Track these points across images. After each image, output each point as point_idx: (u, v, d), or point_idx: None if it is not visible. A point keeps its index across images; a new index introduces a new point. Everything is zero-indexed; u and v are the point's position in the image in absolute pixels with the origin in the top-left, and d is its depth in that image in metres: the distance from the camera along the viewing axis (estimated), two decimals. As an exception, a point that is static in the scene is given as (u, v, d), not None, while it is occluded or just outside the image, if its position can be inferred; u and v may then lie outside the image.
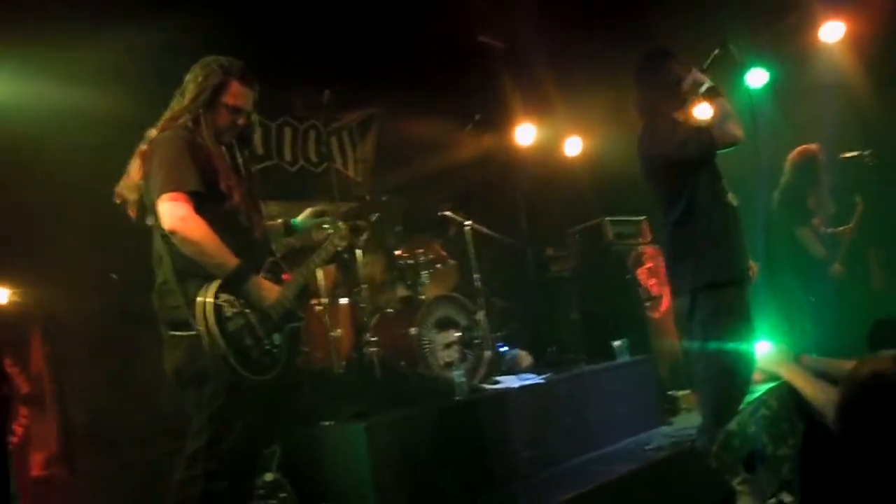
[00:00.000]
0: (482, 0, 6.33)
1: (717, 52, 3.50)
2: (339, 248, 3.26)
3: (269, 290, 2.87)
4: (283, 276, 3.06)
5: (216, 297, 2.73)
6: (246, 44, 4.76)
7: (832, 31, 6.48)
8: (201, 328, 2.69)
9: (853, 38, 6.47)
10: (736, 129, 3.23)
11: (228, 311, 2.75)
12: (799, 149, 5.54)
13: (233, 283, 2.78)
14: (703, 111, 3.61)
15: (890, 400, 2.04)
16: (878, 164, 5.72)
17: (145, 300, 2.97)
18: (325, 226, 3.39)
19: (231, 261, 2.77)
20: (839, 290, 5.38)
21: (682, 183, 3.35)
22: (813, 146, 5.52)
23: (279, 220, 3.44)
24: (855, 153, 5.69)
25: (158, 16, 4.52)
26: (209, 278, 2.76)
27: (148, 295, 2.95)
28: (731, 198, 3.42)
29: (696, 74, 3.39)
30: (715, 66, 3.48)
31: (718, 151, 3.31)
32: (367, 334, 4.83)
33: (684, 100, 3.48)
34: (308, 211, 3.47)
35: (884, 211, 5.94)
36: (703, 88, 3.36)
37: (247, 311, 2.81)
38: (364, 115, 6.63)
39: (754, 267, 3.54)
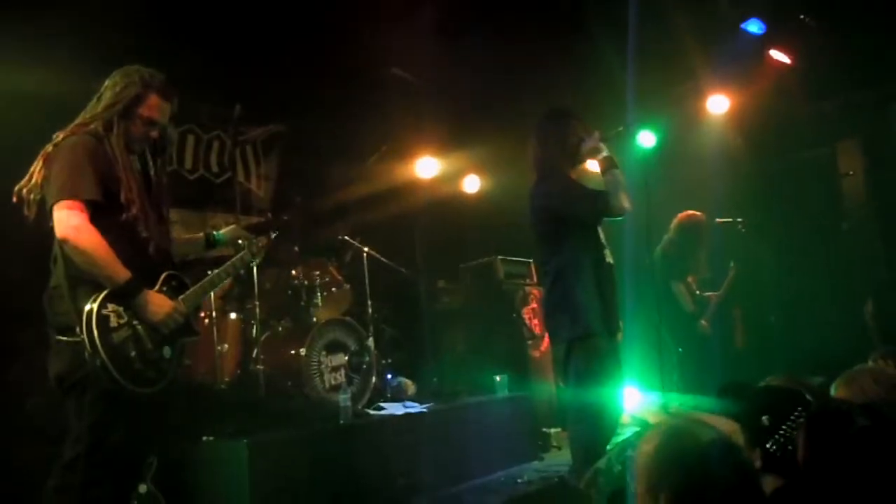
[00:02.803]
0: (397, 33, 6.47)
1: (620, 128, 3.74)
2: (252, 264, 3.30)
3: (158, 305, 2.87)
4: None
5: (103, 307, 2.73)
6: (160, 47, 4.79)
7: (718, 104, 6.98)
8: (83, 336, 2.68)
9: (736, 112, 7.00)
10: (625, 202, 3.48)
11: (114, 322, 2.76)
12: (688, 213, 5.99)
13: (121, 296, 2.78)
14: (593, 171, 3.82)
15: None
16: (748, 230, 6.22)
17: (30, 300, 2.93)
18: (240, 241, 3.42)
19: (121, 273, 2.77)
20: (703, 344, 5.80)
21: (565, 237, 3.57)
22: (699, 214, 5.97)
23: (200, 234, 3.47)
24: (729, 219, 6.16)
25: (79, 11, 4.42)
26: (101, 287, 2.76)
27: (32, 295, 2.90)
28: (608, 255, 3.67)
29: (597, 141, 3.61)
30: (614, 140, 3.71)
31: (605, 218, 3.56)
32: (255, 351, 4.83)
33: (581, 160, 3.71)
34: (232, 227, 3.52)
35: (750, 275, 6.43)
36: (601, 156, 3.59)
37: (134, 322, 2.82)
38: (271, 132, 6.64)
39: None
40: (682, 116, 7.20)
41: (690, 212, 5.98)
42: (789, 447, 2.21)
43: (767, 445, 2.28)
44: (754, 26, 6.31)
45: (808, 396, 2.38)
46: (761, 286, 6.72)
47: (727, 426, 2.76)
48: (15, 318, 4.06)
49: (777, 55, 6.63)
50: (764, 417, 2.30)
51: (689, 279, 5.93)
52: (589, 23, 6.18)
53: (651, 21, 5.66)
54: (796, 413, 2.24)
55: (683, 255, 5.91)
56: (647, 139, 7.21)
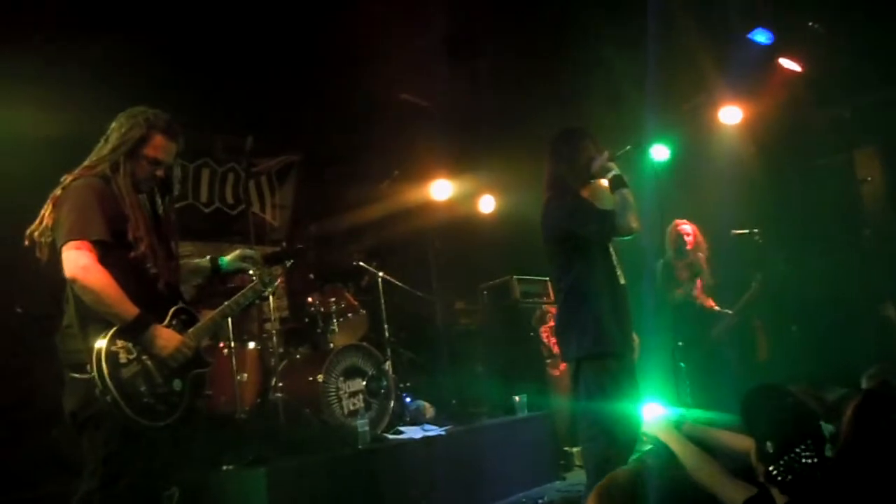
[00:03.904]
0: (406, 59, 6.55)
1: (628, 147, 3.75)
2: (264, 294, 3.35)
3: (167, 340, 2.91)
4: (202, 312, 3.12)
5: (113, 343, 2.78)
6: (174, 83, 4.92)
7: (730, 115, 6.96)
8: (94, 373, 2.73)
9: (749, 122, 6.97)
10: (634, 222, 3.47)
11: (123, 358, 2.80)
12: (674, 222, 5.98)
13: (130, 332, 2.83)
14: (605, 191, 3.83)
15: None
16: (766, 241, 6.18)
17: (48, 335, 2.99)
18: (250, 271, 3.46)
19: (130, 311, 2.82)
20: (719, 358, 5.76)
21: (576, 256, 3.57)
22: (678, 221, 5.96)
23: (207, 258, 3.49)
24: (745, 230, 6.13)
25: (87, 53, 4.54)
26: (111, 324, 2.82)
27: (52, 330, 2.97)
28: (620, 275, 3.67)
29: (606, 160, 3.62)
30: (623, 158, 3.72)
31: (615, 238, 3.57)
32: (274, 379, 4.87)
33: (591, 179, 3.72)
34: (236, 253, 3.52)
35: (770, 286, 6.37)
36: (610, 175, 3.59)
37: (143, 357, 2.86)
38: (284, 162, 6.74)
39: (636, 340, 3.78)
40: (694, 129, 7.19)
41: (675, 220, 6.01)
42: (789, 476, 2.27)
43: (770, 468, 2.30)
44: (761, 36, 6.30)
45: (822, 423, 2.40)
46: (781, 297, 6.64)
47: (743, 442, 2.75)
48: (38, 352, 4.15)
49: (787, 63, 6.60)
50: (768, 444, 2.32)
51: (679, 291, 5.89)
52: (600, 41, 6.22)
53: (661, 36, 5.68)
54: (802, 447, 2.28)
55: (671, 264, 5.93)
56: (660, 153, 7.21)
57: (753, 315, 6.46)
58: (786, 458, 2.28)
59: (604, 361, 3.48)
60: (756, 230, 6.11)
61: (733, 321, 5.97)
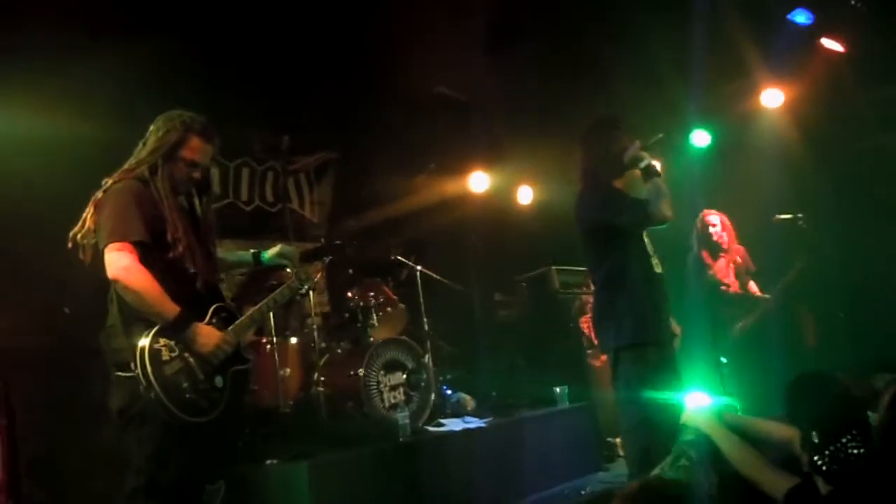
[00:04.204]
0: (441, 52, 6.55)
1: (660, 135, 3.72)
2: (302, 291, 3.41)
3: (207, 337, 2.98)
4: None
5: (155, 342, 2.86)
6: (213, 85, 4.99)
7: (772, 98, 6.83)
8: (138, 371, 2.81)
9: (791, 105, 6.83)
10: (667, 210, 3.46)
11: (166, 356, 2.88)
12: (702, 213, 5.93)
13: (171, 330, 2.91)
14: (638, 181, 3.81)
15: None
16: (811, 225, 6.05)
17: (96, 334, 3.07)
18: (288, 269, 3.52)
19: (170, 309, 2.90)
20: (761, 346, 5.69)
21: (610, 246, 3.57)
22: (708, 212, 5.93)
23: (250, 251, 3.59)
24: (789, 215, 6.01)
25: (126, 54, 4.62)
26: (153, 323, 2.89)
27: (99, 329, 3.04)
28: (656, 264, 3.64)
29: (637, 150, 3.59)
30: (655, 147, 3.69)
31: (648, 227, 3.54)
32: (316, 374, 4.93)
33: (625, 170, 3.69)
34: (276, 249, 3.58)
35: (816, 271, 6.24)
36: (642, 165, 3.57)
37: (185, 354, 2.93)
38: (322, 159, 6.81)
39: (678, 329, 3.75)
40: (736, 113, 7.07)
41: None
42: (834, 466, 2.24)
43: (815, 458, 2.26)
44: (801, 17, 6.16)
45: (869, 413, 2.36)
46: (828, 282, 6.51)
47: (786, 431, 2.72)
48: (89, 351, 4.25)
49: (829, 44, 6.44)
50: (814, 433, 2.28)
51: (728, 277, 5.79)
52: (639, 27, 6.15)
53: (700, 19, 5.61)
54: (849, 436, 2.24)
55: (698, 256, 5.89)
56: (701, 139, 7.11)
57: (800, 301, 6.34)
58: (832, 447, 2.24)
59: (642, 351, 3.48)
60: (800, 215, 5.98)
61: (771, 305, 5.87)
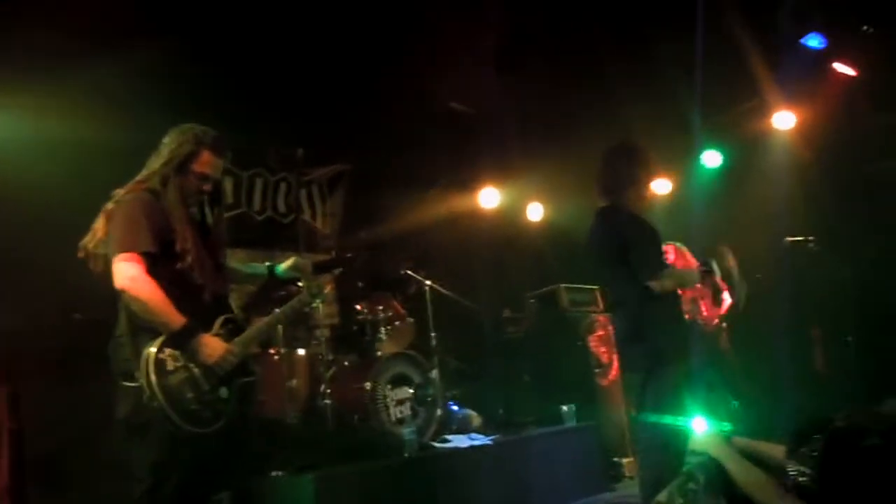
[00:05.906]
0: (454, 68, 6.58)
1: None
2: (313, 304, 3.41)
3: (213, 348, 2.98)
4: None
5: (161, 351, 2.87)
6: (230, 97, 5.03)
7: (784, 120, 6.85)
8: (142, 381, 2.82)
9: (803, 128, 6.84)
10: (672, 287, 3.66)
11: (171, 365, 2.88)
12: None
13: (177, 341, 2.91)
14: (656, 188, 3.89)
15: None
16: (821, 248, 6.05)
17: (106, 341, 3.08)
18: (300, 283, 3.53)
19: (176, 320, 2.90)
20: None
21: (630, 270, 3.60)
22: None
23: (265, 264, 3.60)
24: (800, 238, 6.01)
25: (142, 64, 4.65)
26: (159, 333, 2.90)
27: (109, 335, 3.06)
28: None
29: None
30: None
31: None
32: (323, 386, 4.93)
33: (643, 195, 3.74)
34: (290, 262, 3.57)
35: (826, 295, 6.23)
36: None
37: (190, 365, 2.93)
38: (335, 171, 6.83)
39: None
40: (748, 135, 7.09)
41: None
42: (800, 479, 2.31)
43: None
44: (814, 41, 6.19)
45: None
46: (838, 306, 6.49)
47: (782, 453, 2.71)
48: (98, 357, 4.26)
49: (841, 68, 6.47)
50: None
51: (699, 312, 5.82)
52: (651, 47, 6.18)
53: (712, 41, 5.63)
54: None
55: None
56: (713, 159, 7.13)
57: (810, 324, 6.33)
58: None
59: (669, 370, 3.51)
60: (811, 238, 5.97)
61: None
